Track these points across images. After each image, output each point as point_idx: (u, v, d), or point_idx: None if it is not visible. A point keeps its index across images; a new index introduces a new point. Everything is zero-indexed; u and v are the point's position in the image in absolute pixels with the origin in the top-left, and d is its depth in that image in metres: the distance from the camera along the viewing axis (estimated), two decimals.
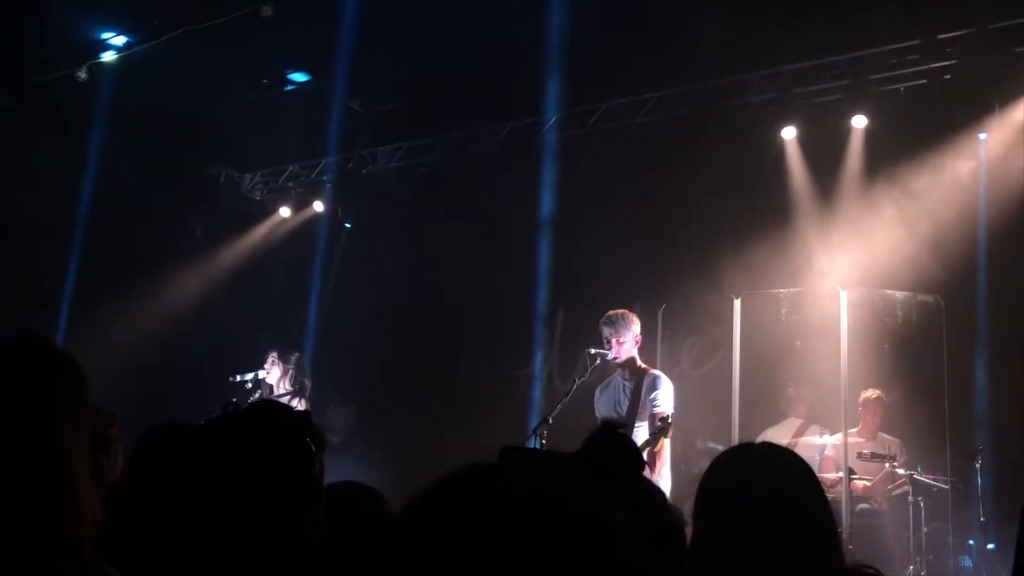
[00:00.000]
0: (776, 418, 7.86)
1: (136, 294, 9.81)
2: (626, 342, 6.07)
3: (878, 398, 7.31)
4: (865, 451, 6.87)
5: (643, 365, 6.19)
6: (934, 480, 6.77)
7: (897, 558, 6.52)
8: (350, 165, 10.63)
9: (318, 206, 10.92)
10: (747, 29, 7.64)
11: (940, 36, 7.68)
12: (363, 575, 0.92)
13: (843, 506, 6.52)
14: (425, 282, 10.03)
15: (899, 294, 7.63)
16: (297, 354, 8.26)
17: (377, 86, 9.80)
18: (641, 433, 5.81)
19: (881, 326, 7.68)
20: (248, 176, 11.28)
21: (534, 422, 7.01)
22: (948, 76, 7.73)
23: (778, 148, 8.54)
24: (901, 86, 7.95)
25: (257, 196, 11.31)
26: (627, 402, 6.07)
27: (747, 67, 8.40)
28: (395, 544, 0.89)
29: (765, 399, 7.82)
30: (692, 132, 8.65)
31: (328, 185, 10.85)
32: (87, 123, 9.47)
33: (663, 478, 5.74)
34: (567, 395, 5.84)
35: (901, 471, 6.83)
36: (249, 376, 7.96)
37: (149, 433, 2.91)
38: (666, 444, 5.78)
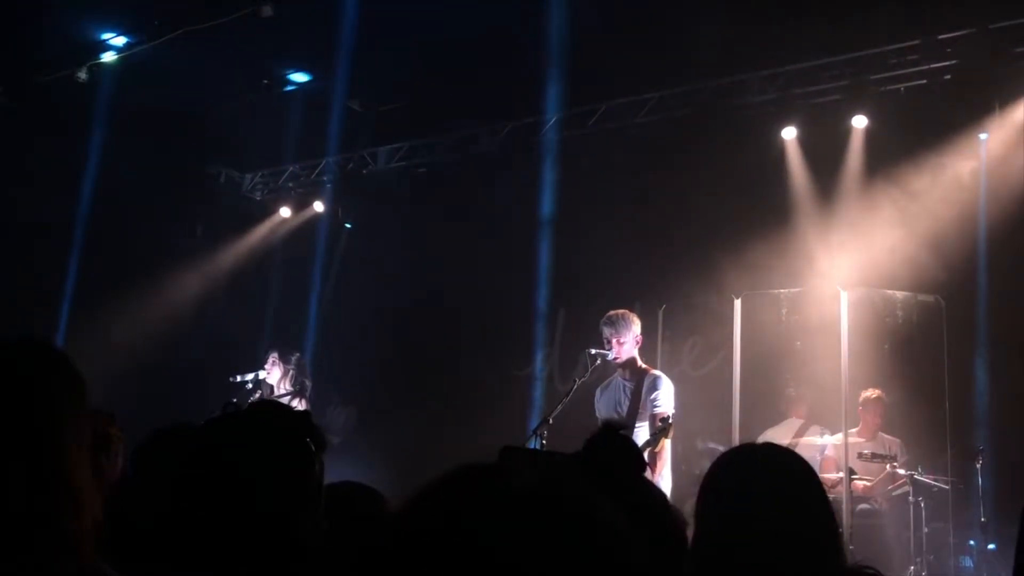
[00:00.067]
0: (777, 418, 7.86)
1: (136, 294, 9.82)
2: (626, 342, 6.06)
3: (878, 398, 7.31)
4: (865, 451, 6.87)
5: (644, 365, 6.19)
6: (935, 480, 6.77)
7: (898, 558, 6.52)
8: (350, 165, 10.64)
9: (318, 206, 10.92)
10: (747, 29, 7.64)
11: (940, 36, 7.68)
12: (363, 575, 0.91)
13: (843, 506, 6.51)
14: (425, 282, 10.03)
15: (899, 294, 7.62)
16: (298, 354, 8.26)
17: (377, 86, 9.80)
18: (642, 433, 5.81)
19: (881, 326, 7.67)
20: (248, 176, 11.28)
21: (534, 422, 7.01)
22: (948, 76, 7.73)
23: (778, 148, 8.54)
24: (901, 86, 7.95)
25: (257, 196, 11.31)
26: (628, 402, 6.06)
27: (747, 67, 8.40)
28: (395, 544, 0.89)
29: (765, 399, 7.82)
30: (692, 132, 8.65)
31: (328, 185, 10.85)
32: (87, 123, 9.48)
33: (664, 479, 5.74)
34: (567, 395, 5.84)
35: (902, 471, 6.83)
36: (249, 376, 7.97)
37: (151, 434, 2.91)
38: (667, 445, 5.78)
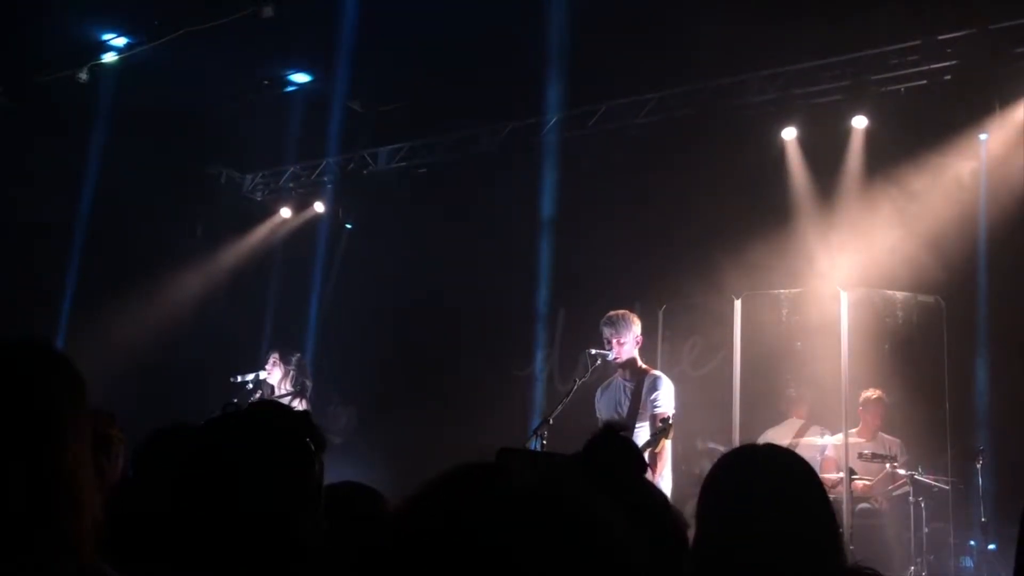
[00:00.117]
0: (777, 419, 7.86)
1: (136, 294, 9.82)
2: (627, 342, 6.07)
3: (878, 398, 7.31)
4: (866, 451, 6.87)
5: (644, 366, 6.19)
6: (935, 480, 6.77)
7: (898, 558, 6.52)
8: (351, 166, 10.64)
9: (319, 207, 10.92)
10: (747, 29, 7.64)
11: (940, 36, 7.68)
12: (363, 575, 0.91)
13: (844, 506, 6.51)
14: (425, 282, 10.04)
15: (899, 294, 7.62)
16: (298, 355, 8.27)
17: (377, 86, 9.80)
18: (642, 434, 5.81)
19: (882, 326, 7.67)
20: (249, 177, 11.29)
21: (535, 422, 7.01)
22: (948, 76, 7.73)
23: (778, 149, 8.54)
24: (901, 87, 7.95)
25: (258, 197, 11.31)
26: (628, 403, 6.06)
27: (747, 67, 8.40)
28: (395, 544, 0.89)
29: (766, 400, 7.82)
30: (692, 132, 8.65)
31: (329, 186, 10.86)
32: (88, 123, 9.48)
33: (664, 479, 5.73)
34: (568, 396, 5.84)
35: (902, 471, 6.83)
36: (250, 377, 7.98)
37: (151, 434, 2.91)
38: (667, 445, 5.78)
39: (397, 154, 10.33)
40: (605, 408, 6.19)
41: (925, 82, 7.82)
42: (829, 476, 6.95)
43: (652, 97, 8.84)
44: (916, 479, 6.66)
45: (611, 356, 6.05)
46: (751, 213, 8.28)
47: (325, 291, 10.66)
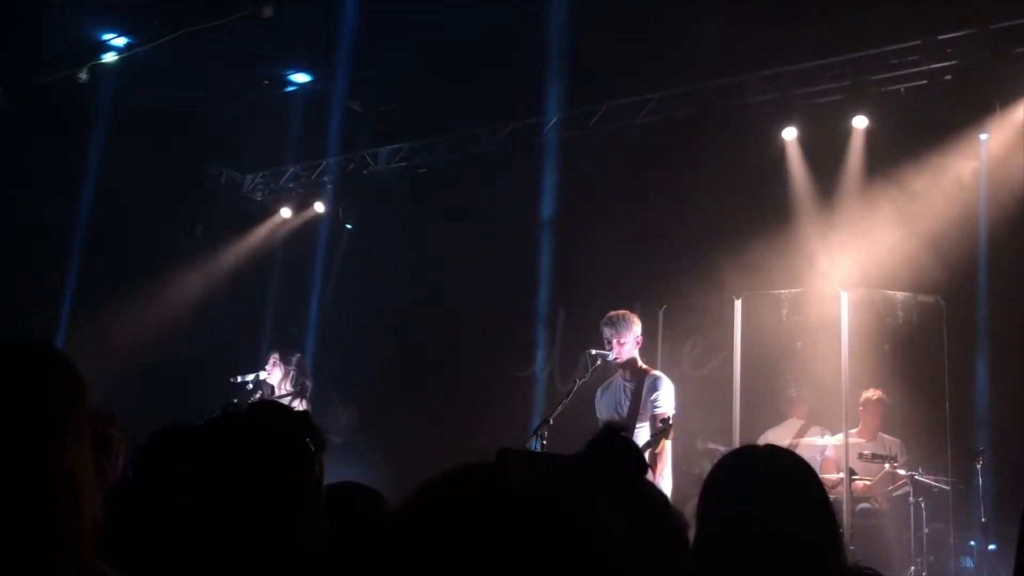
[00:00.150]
0: (777, 419, 7.86)
1: (136, 294, 9.82)
2: (627, 343, 6.06)
3: (879, 399, 7.30)
4: (866, 452, 6.87)
5: (644, 366, 6.19)
6: (935, 481, 6.77)
7: (898, 559, 6.52)
8: (351, 166, 10.64)
9: (319, 207, 10.92)
10: (747, 29, 7.64)
11: (941, 36, 7.68)
12: (363, 575, 0.91)
13: (844, 507, 6.51)
14: (426, 282, 10.03)
15: (900, 295, 7.62)
16: (299, 355, 8.27)
17: (377, 86, 9.80)
18: (642, 434, 5.81)
19: (882, 327, 7.67)
20: (249, 177, 11.29)
21: (535, 423, 7.01)
22: (949, 76, 7.73)
23: (779, 149, 8.54)
24: (902, 87, 7.95)
25: (258, 197, 11.31)
26: (628, 403, 6.06)
27: (747, 67, 8.40)
28: (395, 544, 0.89)
29: (766, 400, 7.82)
30: (692, 133, 8.65)
31: (329, 186, 10.86)
32: (88, 123, 9.48)
33: (664, 479, 5.73)
34: (568, 396, 5.83)
35: (902, 471, 6.82)
36: (250, 377, 7.98)
37: (151, 434, 2.91)
38: (667, 445, 5.78)
39: (397, 154, 10.33)
40: (605, 408, 6.19)
41: (925, 82, 7.82)
42: (829, 476, 6.95)
43: (652, 97, 8.84)
44: (916, 479, 6.66)
45: (611, 356, 6.05)
46: (751, 213, 8.28)
47: (325, 291, 10.66)
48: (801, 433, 7.58)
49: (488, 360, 9.61)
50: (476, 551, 0.84)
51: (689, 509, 2.27)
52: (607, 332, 6.09)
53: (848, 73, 8.07)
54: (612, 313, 6.14)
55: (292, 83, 9.92)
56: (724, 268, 7.97)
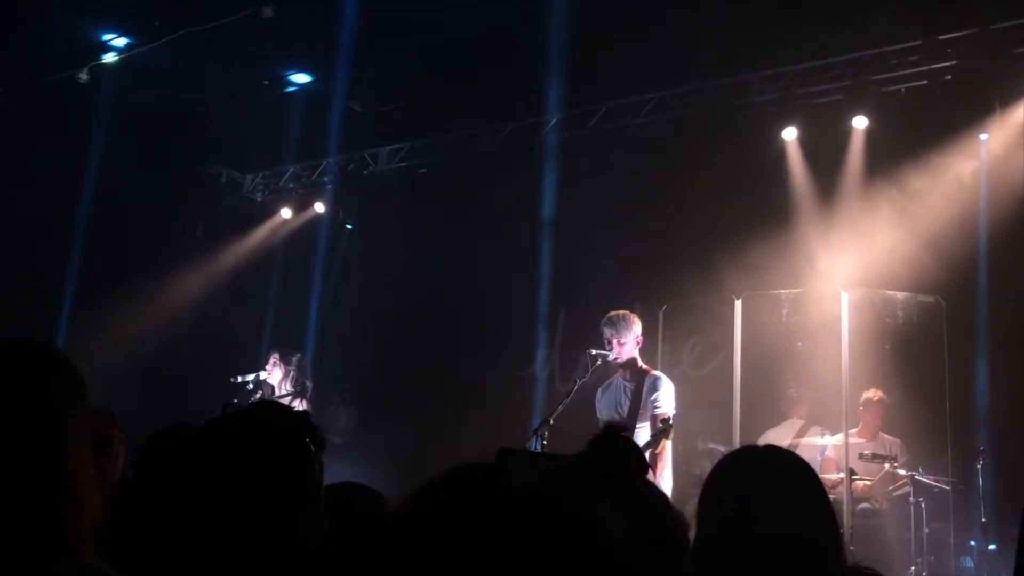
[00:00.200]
0: (777, 419, 7.85)
1: (136, 294, 9.82)
2: (627, 343, 6.06)
3: (879, 400, 7.30)
4: (866, 452, 6.87)
5: (644, 366, 6.19)
6: (935, 481, 6.76)
7: (898, 559, 6.51)
8: (351, 166, 10.64)
9: (319, 207, 10.92)
10: (747, 29, 7.64)
11: (941, 37, 7.68)
12: (363, 575, 0.91)
13: (844, 507, 6.51)
14: (425, 282, 10.03)
15: (900, 295, 7.62)
16: (299, 355, 8.27)
17: (377, 86, 9.80)
18: (642, 434, 5.80)
19: (882, 327, 7.67)
20: (249, 177, 11.29)
21: (535, 423, 7.01)
22: (949, 77, 7.73)
23: (779, 149, 8.54)
24: (902, 87, 7.95)
25: (258, 197, 11.31)
26: (628, 403, 6.06)
27: (748, 67, 8.40)
28: (395, 544, 0.89)
29: (766, 400, 7.82)
30: (692, 133, 8.65)
31: (329, 186, 10.86)
32: (88, 124, 9.48)
33: (664, 479, 5.73)
34: (568, 396, 5.83)
35: (902, 471, 6.82)
36: (250, 377, 7.98)
37: (151, 434, 2.91)
38: (667, 446, 5.77)
39: (397, 154, 10.33)
40: (605, 408, 6.19)
41: (925, 82, 7.82)
42: (829, 476, 6.95)
43: (652, 97, 8.84)
44: (916, 479, 6.66)
45: (611, 356, 6.05)
46: (751, 213, 8.28)
47: (325, 291, 10.66)
48: (801, 433, 7.58)
49: (488, 360, 9.61)
50: (476, 551, 0.84)
51: (689, 509, 2.27)
52: (607, 332, 6.09)
53: (848, 73, 8.07)
54: (612, 313, 6.14)
55: (292, 83, 9.93)
56: (724, 268, 7.97)
